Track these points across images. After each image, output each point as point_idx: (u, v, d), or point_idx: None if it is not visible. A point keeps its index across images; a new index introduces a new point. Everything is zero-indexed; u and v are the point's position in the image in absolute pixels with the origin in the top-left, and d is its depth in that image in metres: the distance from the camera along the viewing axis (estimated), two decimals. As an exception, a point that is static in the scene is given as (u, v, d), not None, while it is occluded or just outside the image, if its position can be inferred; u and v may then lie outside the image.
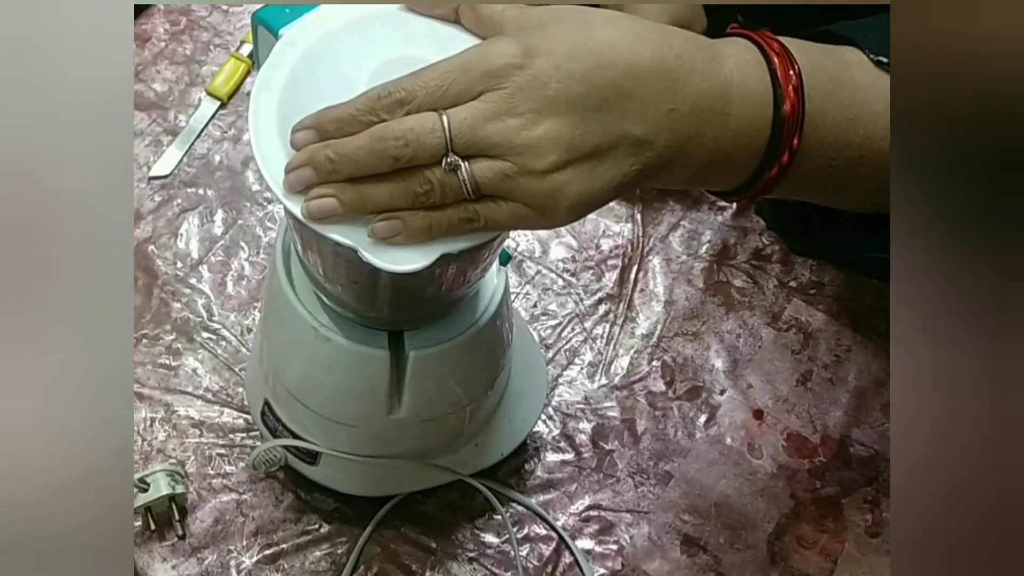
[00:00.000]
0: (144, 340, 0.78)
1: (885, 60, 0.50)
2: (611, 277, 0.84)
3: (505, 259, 0.67)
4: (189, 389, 0.77)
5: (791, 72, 0.46)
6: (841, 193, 0.52)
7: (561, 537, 0.73)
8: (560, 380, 0.80)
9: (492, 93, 0.43)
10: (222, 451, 0.74)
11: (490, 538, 0.73)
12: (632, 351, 0.81)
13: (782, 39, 0.48)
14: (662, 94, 0.44)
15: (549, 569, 0.72)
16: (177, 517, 0.70)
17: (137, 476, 0.70)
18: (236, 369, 0.78)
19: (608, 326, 0.82)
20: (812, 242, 0.81)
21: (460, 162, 0.43)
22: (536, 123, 0.43)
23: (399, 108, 0.44)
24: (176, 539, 0.71)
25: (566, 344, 0.81)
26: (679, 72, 0.44)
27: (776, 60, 0.47)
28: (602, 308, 0.83)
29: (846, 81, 0.49)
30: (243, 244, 0.83)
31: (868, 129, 0.49)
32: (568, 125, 0.43)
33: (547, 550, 0.73)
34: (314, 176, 0.44)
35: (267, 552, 0.71)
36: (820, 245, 0.80)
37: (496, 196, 0.44)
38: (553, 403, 0.78)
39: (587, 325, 0.82)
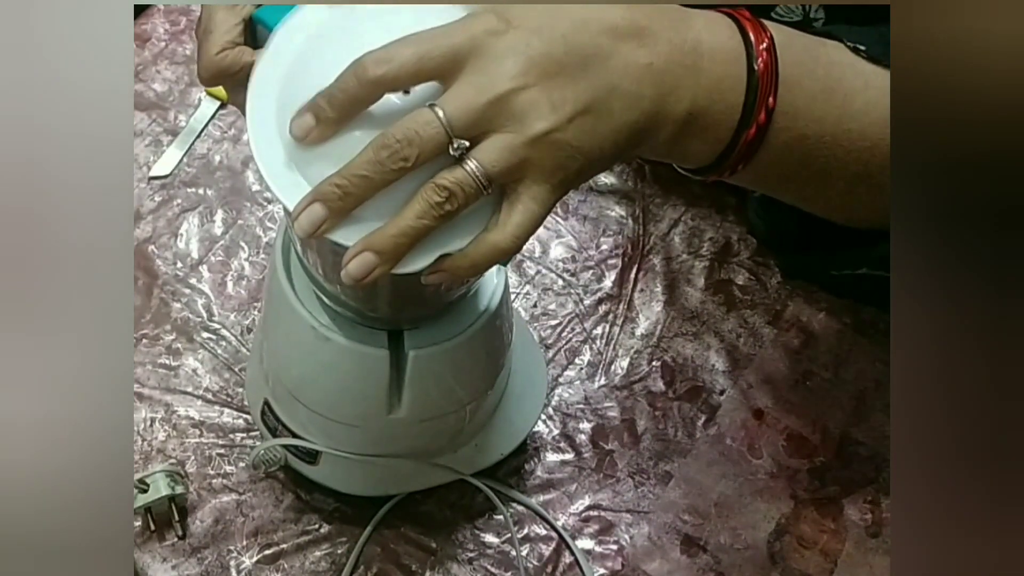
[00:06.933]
0: (144, 340, 0.78)
1: (862, 48, 0.50)
2: (611, 277, 0.84)
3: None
4: (189, 389, 0.77)
5: (763, 36, 0.48)
6: (820, 186, 0.53)
7: (561, 537, 0.73)
8: (560, 380, 0.80)
9: (476, 61, 0.43)
10: (222, 451, 0.74)
11: (490, 538, 0.73)
12: (632, 351, 0.81)
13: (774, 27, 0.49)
14: (638, 49, 0.45)
15: (549, 569, 0.72)
16: (177, 517, 0.70)
17: (137, 476, 0.70)
18: (236, 369, 0.78)
19: (608, 326, 0.82)
20: (802, 258, 0.82)
21: (465, 144, 0.43)
22: (528, 85, 0.43)
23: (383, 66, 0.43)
24: (176, 539, 0.71)
25: (566, 344, 0.81)
26: (652, 29, 0.45)
27: (747, 24, 0.48)
28: (602, 308, 0.83)
29: (820, 56, 0.50)
30: (243, 244, 0.83)
31: (845, 105, 0.50)
32: (559, 84, 0.43)
33: (547, 550, 0.73)
34: (326, 212, 0.44)
35: (267, 552, 0.71)
36: (810, 260, 0.81)
37: (513, 187, 0.44)
38: (553, 403, 0.78)
39: (587, 325, 0.82)
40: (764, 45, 0.47)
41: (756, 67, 0.47)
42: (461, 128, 0.43)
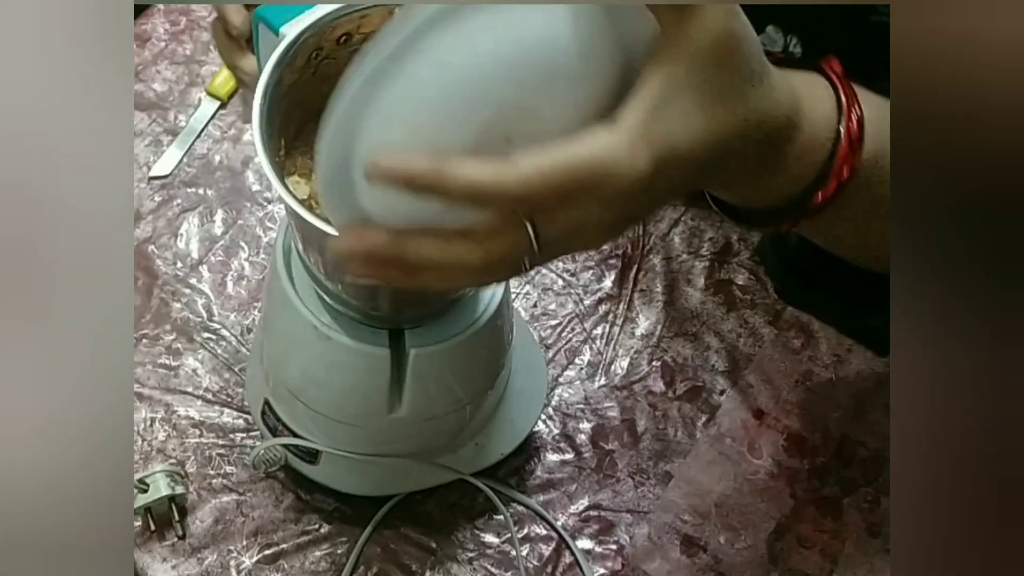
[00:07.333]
0: (144, 340, 0.78)
1: None
2: (611, 277, 0.84)
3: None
4: (189, 389, 0.77)
5: (853, 154, 0.45)
6: (861, 243, 0.51)
7: (561, 537, 0.73)
8: (560, 380, 0.79)
9: (597, 203, 0.40)
10: (222, 451, 0.74)
11: (490, 538, 0.73)
12: (632, 351, 0.81)
13: (866, 98, 0.46)
14: (718, 168, 0.43)
15: (549, 569, 0.72)
16: (177, 517, 0.70)
17: (137, 476, 0.70)
18: (236, 369, 0.78)
19: (608, 326, 0.82)
20: (813, 300, 0.81)
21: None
22: (618, 217, 0.41)
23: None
24: (176, 539, 0.71)
25: (566, 344, 0.81)
26: (745, 158, 0.43)
27: (844, 142, 0.45)
28: (602, 308, 0.83)
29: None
30: (243, 244, 0.83)
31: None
32: (639, 209, 0.42)
33: (547, 550, 0.73)
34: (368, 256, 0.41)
35: (267, 552, 0.71)
36: (820, 304, 0.81)
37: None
38: (553, 403, 0.78)
39: (587, 325, 0.82)
40: (848, 166, 0.45)
41: (823, 189, 0.45)
42: (544, 256, 0.41)
